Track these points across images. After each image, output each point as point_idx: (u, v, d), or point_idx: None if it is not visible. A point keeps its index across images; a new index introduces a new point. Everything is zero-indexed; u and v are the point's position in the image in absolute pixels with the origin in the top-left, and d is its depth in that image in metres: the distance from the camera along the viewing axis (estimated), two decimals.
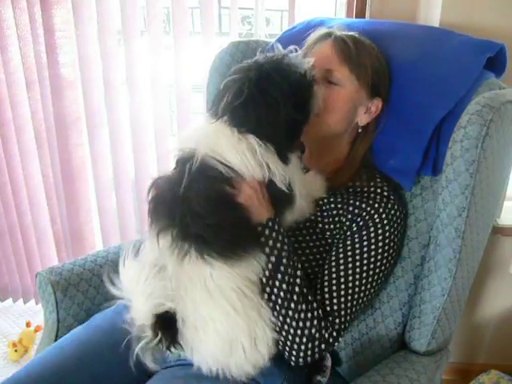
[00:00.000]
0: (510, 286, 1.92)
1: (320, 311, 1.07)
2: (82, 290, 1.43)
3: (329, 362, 1.20)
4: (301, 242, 1.17)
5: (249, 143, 1.00)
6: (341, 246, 1.14)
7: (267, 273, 1.04)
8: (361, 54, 1.18)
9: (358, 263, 1.12)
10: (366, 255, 1.12)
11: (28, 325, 2.25)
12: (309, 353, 1.07)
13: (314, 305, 1.07)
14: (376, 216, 1.14)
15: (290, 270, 1.05)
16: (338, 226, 1.17)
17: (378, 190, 1.18)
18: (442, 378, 1.32)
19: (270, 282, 1.04)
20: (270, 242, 1.04)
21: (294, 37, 1.48)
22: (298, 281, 1.05)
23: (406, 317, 1.27)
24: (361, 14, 1.70)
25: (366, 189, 1.19)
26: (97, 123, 1.96)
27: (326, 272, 1.13)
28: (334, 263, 1.13)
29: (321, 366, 1.19)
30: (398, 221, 1.17)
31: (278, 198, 1.06)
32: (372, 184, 1.20)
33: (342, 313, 1.10)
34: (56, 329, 1.40)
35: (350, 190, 1.21)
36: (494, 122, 1.04)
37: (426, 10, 1.61)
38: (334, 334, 1.08)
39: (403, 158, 1.23)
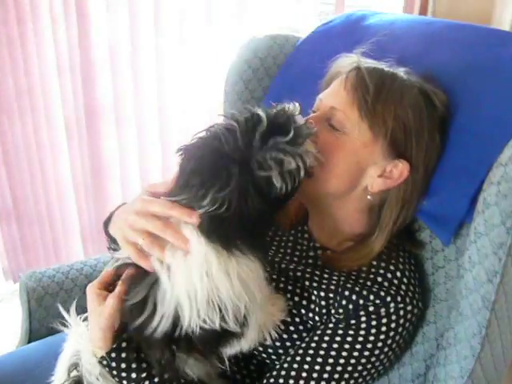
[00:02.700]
0: None
1: None
2: (61, 300, 1.29)
3: None
4: None
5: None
6: (321, 333, 0.90)
7: None
8: (383, 96, 0.89)
9: (341, 360, 0.88)
10: (356, 354, 0.88)
11: None
12: None
13: None
14: (383, 310, 0.89)
15: None
16: (324, 317, 0.93)
17: (388, 275, 0.92)
18: None
19: None
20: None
21: (329, 33, 1.27)
22: None
23: None
24: (422, 11, 1.43)
25: (373, 270, 0.93)
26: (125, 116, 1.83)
27: (298, 358, 0.90)
28: (310, 351, 0.89)
29: None
30: (410, 317, 0.91)
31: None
32: (383, 265, 0.94)
33: None
34: (27, 339, 1.29)
35: (353, 274, 0.95)
36: None
37: (500, 12, 1.31)
38: None
39: (443, 200, 0.95)
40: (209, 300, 0.75)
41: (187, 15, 1.63)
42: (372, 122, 0.89)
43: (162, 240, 0.77)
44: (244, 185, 0.72)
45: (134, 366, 0.84)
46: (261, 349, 0.96)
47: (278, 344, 0.94)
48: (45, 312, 1.28)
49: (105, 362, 0.85)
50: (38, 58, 1.82)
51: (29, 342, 1.29)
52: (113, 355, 0.84)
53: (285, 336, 0.94)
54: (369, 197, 0.95)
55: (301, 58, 1.28)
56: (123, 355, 0.84)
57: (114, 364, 0.84)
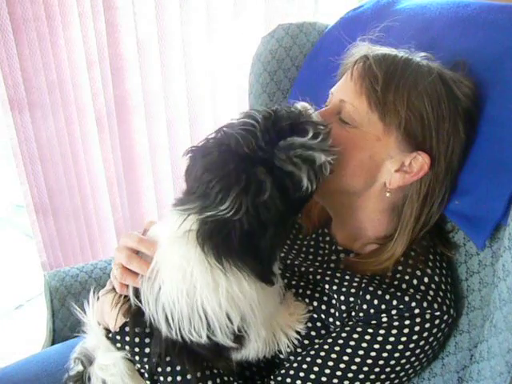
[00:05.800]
0: None
1: None
2: (82, 301, 1.27)
3: None
4: None
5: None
6: (339, 330, 0.86)
7: None
8: (394, 84, 0.82)
9: (357, 359, 0.83)
10: (373, 354, 0.83)
11: None
12: None
13: None
14: (407, 314, 0.82)
15: None
16: (346, 320, 0.88)
17: (414, 282, 0.86)
18: None
19: None
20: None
21: (358, 19, 1.19)
22: None
23: None
24: None
25: (398, 276, 0.87)
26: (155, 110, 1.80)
27: (309, 359, 0.86)
28: (322, 353, 0.85)
29: None
30: (438, 323, 0.84)
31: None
32: (409, 271, 0.87)
33: None
34: (51, 339, 1.28)
35: (377, 278, 0.89)
36: None
37: None
38: None
39: (477, 199, 0.88)
40: (193, 315, 0.72)
41: (214, 7, 1.57)
42: (383, 112, 0.83)
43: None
44: (267, 185, 0.68)
45: (147, 340, 0.84)
46: (282, 356, 0.91)
47: (299, 350, 0.89)
48: (68, 312, 1.26)
49: (118, 337, 0.85)
50: (67, 52, 1.81)
51: (53, 341, 1.28)
52: (126, 329, 0.84)
53: (306, 342, 0.89)
54: (387, 194, 0.88)
55: (327, 47, 1.21)
56: (137, 330, 0.84)
57: (127, 338, 0.84)
